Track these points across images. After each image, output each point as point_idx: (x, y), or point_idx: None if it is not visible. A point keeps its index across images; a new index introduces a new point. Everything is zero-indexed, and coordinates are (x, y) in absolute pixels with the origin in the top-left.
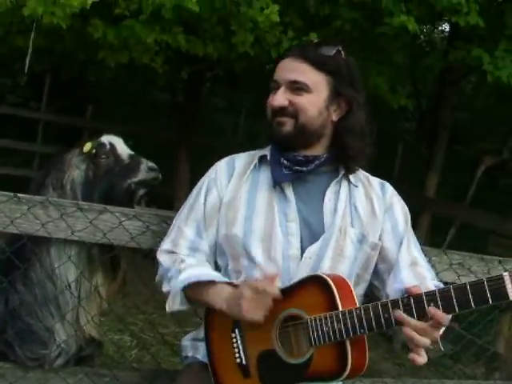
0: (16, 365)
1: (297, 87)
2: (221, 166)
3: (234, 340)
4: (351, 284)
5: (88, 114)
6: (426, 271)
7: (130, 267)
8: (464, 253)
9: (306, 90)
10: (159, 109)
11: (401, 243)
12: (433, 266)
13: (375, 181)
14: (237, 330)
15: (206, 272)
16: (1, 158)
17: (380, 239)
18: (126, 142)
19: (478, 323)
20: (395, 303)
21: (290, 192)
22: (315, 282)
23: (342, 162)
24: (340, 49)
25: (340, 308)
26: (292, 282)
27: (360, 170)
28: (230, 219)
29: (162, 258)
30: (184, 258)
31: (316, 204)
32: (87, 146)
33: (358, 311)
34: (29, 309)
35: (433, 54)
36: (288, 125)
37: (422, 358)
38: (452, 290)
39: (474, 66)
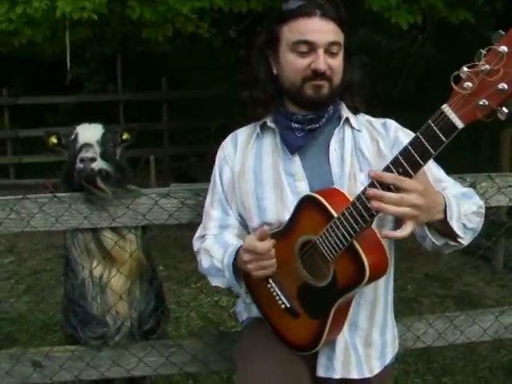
0: (89, 347)
1: (333, 50)
2: (226, 144)
3: (272, 289)
4: (343, 190)
5: (163, 86)
6: (452, 184)
7: None
8: None
9: (338, 52)
10: (228, 67)
11: None
12: (485, 193)
13: (377, 122)
14: (270, 280)
15: (230, 250)
16: None
17: None
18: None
19: None
20: (371, 184)
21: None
22: (307, 203)
23: (348, 106)
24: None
25: (334, 214)
26: (290, 214)
27: (362, 114)
28: (244, 191)
29: (195, 247)
30: (207, 247)
31: (322, 156)
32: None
33: (348, 210)
34: (79, 293)
35: None
36: (325, 87)
37: (400, 232)
38: (410, 147)
39: None
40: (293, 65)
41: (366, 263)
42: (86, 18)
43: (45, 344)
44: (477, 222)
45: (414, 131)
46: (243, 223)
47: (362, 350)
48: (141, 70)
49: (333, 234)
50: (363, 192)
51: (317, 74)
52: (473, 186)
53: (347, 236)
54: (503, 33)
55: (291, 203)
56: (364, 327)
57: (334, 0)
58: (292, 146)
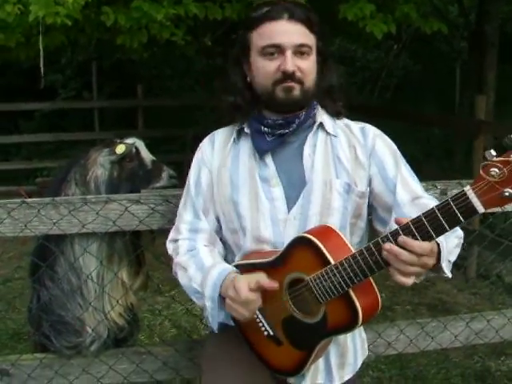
0: (58, 354)
1: (302, 51)
2: (204, 145)
3: (255, 316)
4: (337, 230)
5: (139, 94)
6: (430, 200)
7: None
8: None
9: (309, 54)
10: (204, 76)
11: (395, 183)
12: None
13: (356, 127)
14: None
15: (211, 279)
16: (63, 151)
17: (369, 186)
18: None
19: None
20: (377, 244)
21: (269, 158)
22: (301, 243)
23: (330, 111)
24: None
25: (331, 261)
26: (284, 248)
27: (342, 118)
28: (222, 195)
29: (169, 249)
30: (182, 262)
31: (297, 163)
32: (120, 148)
33: (347, 262)
34: (58, 302)
35: None
36: (296, 89)
37: (409, 279)
38: (424, 219)
39: None
40: (262, 69)
41: (360, 311)
42: (60, 23)
43: (16, 353)
44: (457, 253)
45: (392, 138)
46: (218, 226)
47: (336, 358)
48: (116, 78)
49: (328, 281)
50: (366, 247)
51: (286, 76)
52: (443, 192)
53: (344, 285)
54: None
55: (266, 209)
56: (341, 337)
57: (303, 3)
58: (260, 150)
